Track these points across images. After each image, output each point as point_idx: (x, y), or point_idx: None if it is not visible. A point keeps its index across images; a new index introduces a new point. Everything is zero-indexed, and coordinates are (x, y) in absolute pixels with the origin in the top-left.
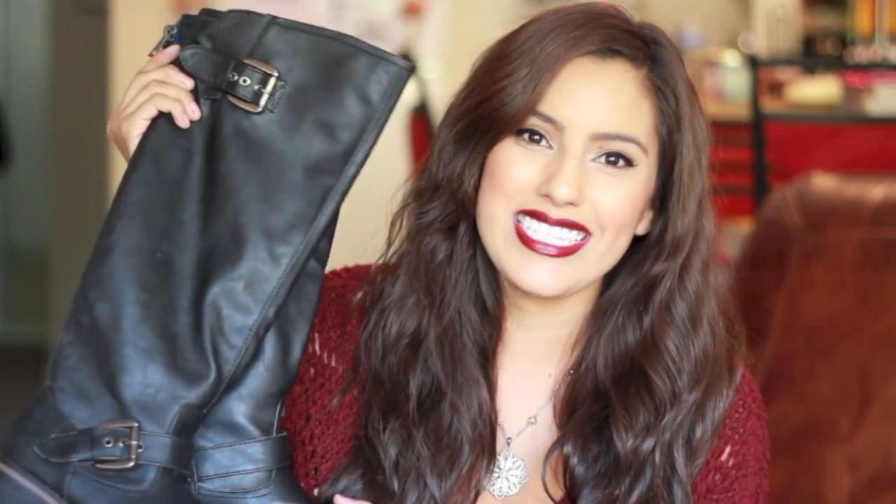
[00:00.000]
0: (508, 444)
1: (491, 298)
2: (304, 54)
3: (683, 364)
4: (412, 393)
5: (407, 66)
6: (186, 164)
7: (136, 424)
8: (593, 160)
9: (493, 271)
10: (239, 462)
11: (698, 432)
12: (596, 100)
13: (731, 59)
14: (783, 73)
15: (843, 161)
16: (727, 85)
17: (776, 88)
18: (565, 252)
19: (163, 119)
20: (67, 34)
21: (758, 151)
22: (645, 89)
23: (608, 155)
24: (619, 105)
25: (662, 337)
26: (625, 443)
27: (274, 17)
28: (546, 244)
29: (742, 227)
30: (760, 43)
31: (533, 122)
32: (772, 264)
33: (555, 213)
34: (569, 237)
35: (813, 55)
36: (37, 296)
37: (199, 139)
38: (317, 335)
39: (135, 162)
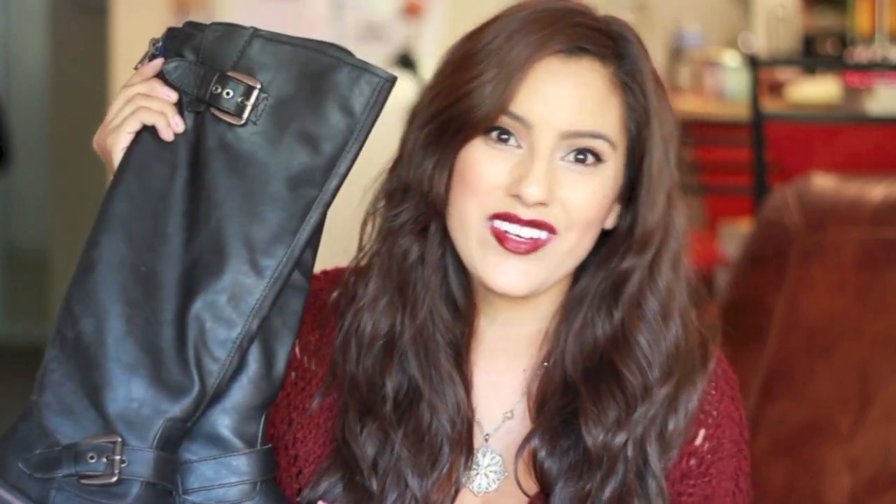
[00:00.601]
0: (487, 440)
1: (462, 297)
2: (287, 66)
3: (654, 358)
4: (388, 395)
5: (389, 78)
6: (171, 176)
7: (119, 439)
8: (562, 158)
9: (463, 270)
10: (223, 475)
11: (671, 426)
12: (564, 98)
13: (731, 59)
14: (783, 73)
15: (843, 161)
16: (727, 85)
17: (776, 88)
18: (536, 246)
19: (147, 132)
20: (67, 34)
21: (758, 151)
22: (613, 86)
23: (577, 152)
24: (587, 102)
25: (633, 332)
26: (595, 437)
27: (257, 30)
28: (518, 242)
29: (742, 227)
30: (760, 43)
31: (502, 120)
32: (772, 264)
33: (525, 213)
34: (539, 234)
35: (813, 55)
36: (37, 296)
37: (184, 152)
38: (297, 339)
39: (119, 175)
